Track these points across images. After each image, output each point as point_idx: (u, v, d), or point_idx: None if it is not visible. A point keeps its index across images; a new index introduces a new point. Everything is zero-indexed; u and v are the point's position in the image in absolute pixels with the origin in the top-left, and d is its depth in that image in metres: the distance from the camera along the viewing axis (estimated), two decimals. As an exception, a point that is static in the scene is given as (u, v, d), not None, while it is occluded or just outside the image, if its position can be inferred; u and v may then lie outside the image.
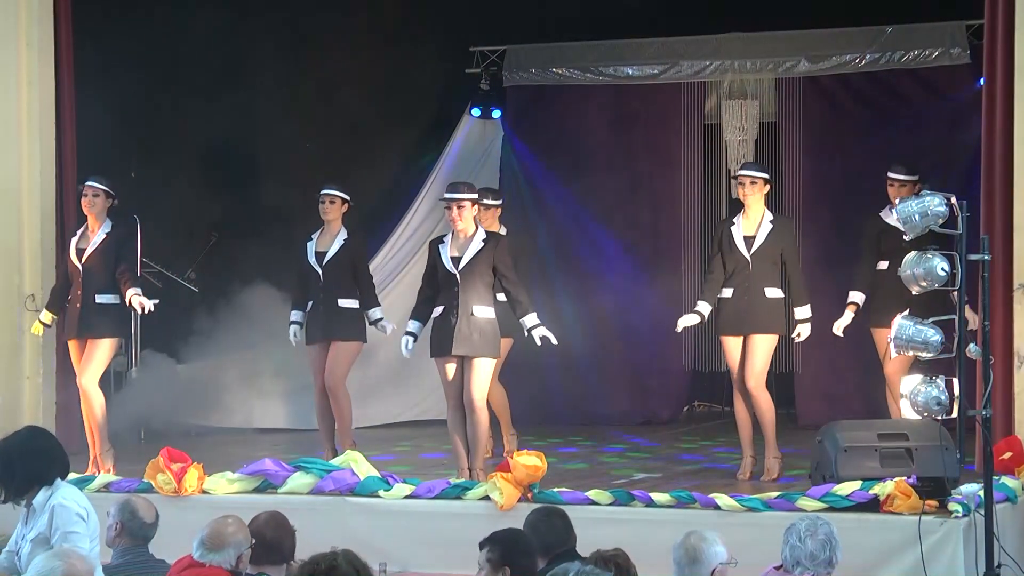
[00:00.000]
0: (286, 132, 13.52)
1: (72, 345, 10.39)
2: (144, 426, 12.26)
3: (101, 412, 10.36)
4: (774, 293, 9.89)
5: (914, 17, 12.40)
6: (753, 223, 9.87)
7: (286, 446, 11.42)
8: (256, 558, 5.98)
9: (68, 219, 11.36)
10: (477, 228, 9.52)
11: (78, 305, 10.22)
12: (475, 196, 9.58)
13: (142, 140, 13.25)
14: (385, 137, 13.78)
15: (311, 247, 10.47)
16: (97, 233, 10.27)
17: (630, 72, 13.42)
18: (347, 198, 10.52)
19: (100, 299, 10.24)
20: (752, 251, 9.83)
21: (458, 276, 9.39)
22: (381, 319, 10.55)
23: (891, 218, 10.18)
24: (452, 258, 9.44)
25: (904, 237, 7.96)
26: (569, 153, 13.51)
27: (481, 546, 5.95)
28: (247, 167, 13.50)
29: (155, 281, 12.79)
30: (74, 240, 10.35)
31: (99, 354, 10.22)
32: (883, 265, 10.27)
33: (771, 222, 9.90)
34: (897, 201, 7.93)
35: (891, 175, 10.34)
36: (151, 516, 6.57)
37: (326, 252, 10.42)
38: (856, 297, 10.42)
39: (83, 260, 10.23)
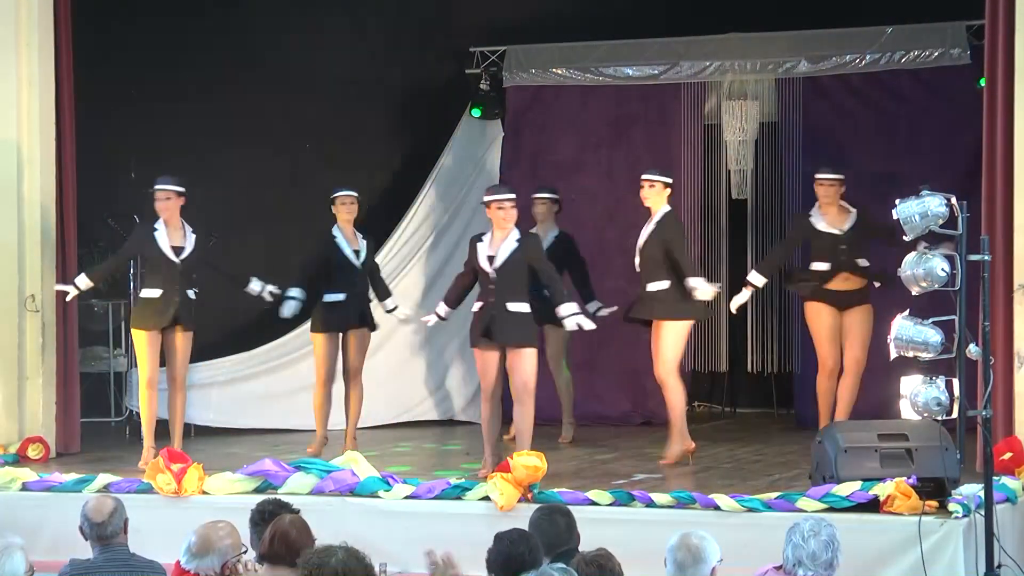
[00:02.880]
0: (285, 132, 13.52)
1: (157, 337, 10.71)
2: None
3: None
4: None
5: (914, 17, 12.40)
6: None
7: (287, 447, 11.42)
8: (275, 558, 5.83)
9: (68, 219, 11.37)
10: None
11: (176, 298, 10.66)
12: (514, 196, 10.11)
13: (142, 140, 13.25)
14: (385, 137, 13.78)
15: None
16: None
17: (630, 72, 13.41)
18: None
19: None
20: None
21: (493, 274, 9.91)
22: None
23: (821, 223, 11.07)
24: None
25: (905, 238, 7.94)
26: (569, 153, 13.51)
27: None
28: (247, 167, 13.49)
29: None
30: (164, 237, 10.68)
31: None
32: (824, 266, 10.99)
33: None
34: (897, 201, 7.92)
35: (819, 176, 11.12)
36: (101, 514, 6.39)
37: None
38: (756, 279, 11.08)
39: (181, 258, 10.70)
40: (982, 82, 10.17)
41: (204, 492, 9.19)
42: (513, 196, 10.04)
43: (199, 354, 12.75)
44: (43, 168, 11.13)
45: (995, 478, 8.07)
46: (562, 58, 13.52)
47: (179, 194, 10.74)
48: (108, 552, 6.38)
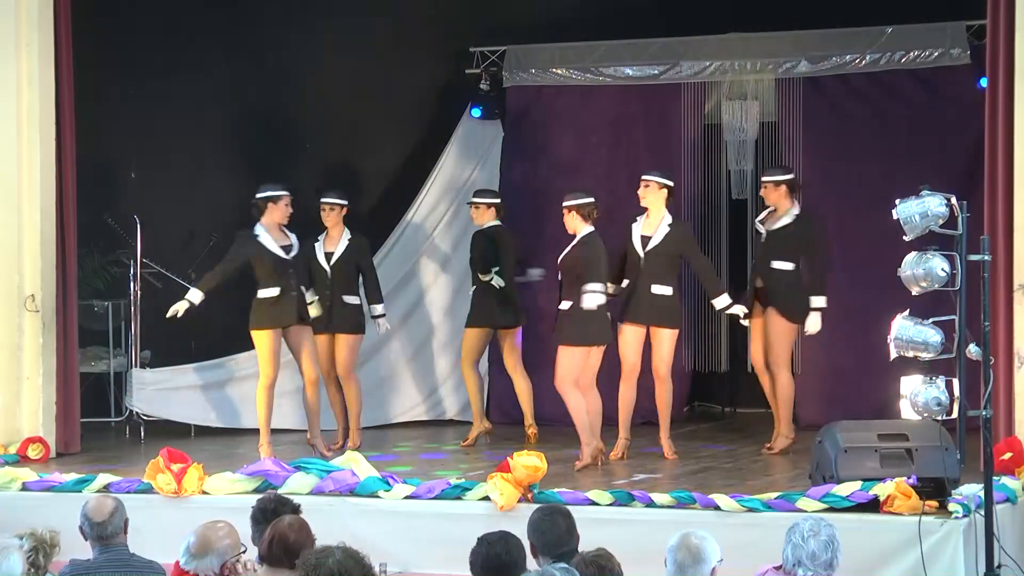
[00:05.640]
0: (286, 133, 13.52)
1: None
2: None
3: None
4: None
5: (914, 17, 12.39)
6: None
7: (287, 446, 11.42)
8: (274, 560, 5.82)
9: (68, 219, 11.36)
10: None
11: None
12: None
13: (142, 141, 13.25)
14: (385, 137, 13.77)
15: (319, 248, 11.70)
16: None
17: (630, 72, 13.41)
18: (345, 203, 11.72)
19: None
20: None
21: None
22: (382, 316, 11.84)
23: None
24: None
25: (904, 237, 7.94)
26: (569, 153, 13.50)
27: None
28: (247, 167, 13.49)
29: (155, 281, 12.80)
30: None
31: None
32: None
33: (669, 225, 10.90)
34: (897, 201, 7.92)
35: (765, 179, 11.33)
36: (102, 514, 6.39)
37: (333, 253, 11.63)
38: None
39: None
40: (983, 82, 10.17)
41: (204, 492, 9.20)
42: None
43: (200, 354, 12.78)
44: (43, 168, 11.12)
45: (995, 478, 8.07)
46: (562, 58, 13.51)
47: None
48: (108, 552, 6.38)
